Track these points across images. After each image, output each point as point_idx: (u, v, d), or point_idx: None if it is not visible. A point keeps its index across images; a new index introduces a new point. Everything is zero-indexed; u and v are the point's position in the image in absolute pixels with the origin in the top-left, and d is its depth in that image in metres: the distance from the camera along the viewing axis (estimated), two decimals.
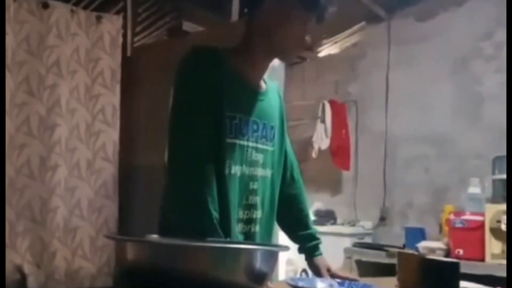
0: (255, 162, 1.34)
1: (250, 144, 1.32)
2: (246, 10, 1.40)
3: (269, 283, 1.10)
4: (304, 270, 3.41)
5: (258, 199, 1.36)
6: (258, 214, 1.36)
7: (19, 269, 2.39)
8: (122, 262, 0.91)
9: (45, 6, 2.55)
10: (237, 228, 1.31)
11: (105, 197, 2.65)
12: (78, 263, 2.54)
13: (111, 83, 2.71)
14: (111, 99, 2.70)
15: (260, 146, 1.35)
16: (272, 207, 1.42)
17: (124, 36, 2.80)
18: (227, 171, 1.26)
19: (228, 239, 1.22)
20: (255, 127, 1.34)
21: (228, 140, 1.26)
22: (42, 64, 2.52)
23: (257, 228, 1.37)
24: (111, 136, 2.69)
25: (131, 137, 2.74)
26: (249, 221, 1.34)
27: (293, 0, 1.29)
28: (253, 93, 1.36)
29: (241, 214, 1.32)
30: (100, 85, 2.68)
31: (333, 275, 1.48)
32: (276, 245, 1.37)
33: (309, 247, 1.54)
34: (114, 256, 2.37)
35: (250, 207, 1.34)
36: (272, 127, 1.40)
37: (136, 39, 3.09)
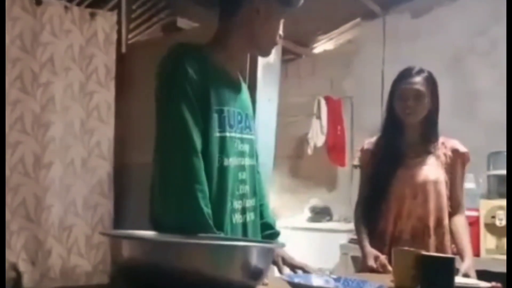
0: (242, 153, 1.37)
1: (237, 135, 1.35)
2: (223, 6, 1.42)
3: (265, 280, 1.11)
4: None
5: (248, 188, 1.39)
6: (250, 203, 1.40)
7: (14, 267, 2.38)
8: (118, 259, 0.91)
9: (39, 2, 2.53)
10: (234, 219, 1.33)
11: (100, 194, 2.64)
12: (73, 261, 2.53)
13: (106, 80, 2.69)
14: (106, 96, 2.69)
15: (245, 136, 1.39)
16: (257, 195, 1.45)
17: (119, 32, 2.78)
18: (219, 164, 1.29)
19: (222, 235, 1.22)
20: (239, 118, 1.37)
21: (219, 134, 1.29)
22: (35, 61, 2.50)
23: (252, 217, 1.40)
24: (106, 134, 2.67)
25: (126, 134, 2.73)
26: (243, 211, 1.37)
27: None
28: (234, 85, 1.40)
29: (236, 204, 1.34)
30: (95, 82, 2.67)
31: (289, 265, 1.47)
32: (272, 242, 1.37)
33: (264, 236, 1.52)
34: (110, 253, 2.37)
35: (243, 196, 1.37)
36: (251, 117, 1.44)
37: (130, 35, 3.07)
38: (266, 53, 1.46)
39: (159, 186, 1.25)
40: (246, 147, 1.39)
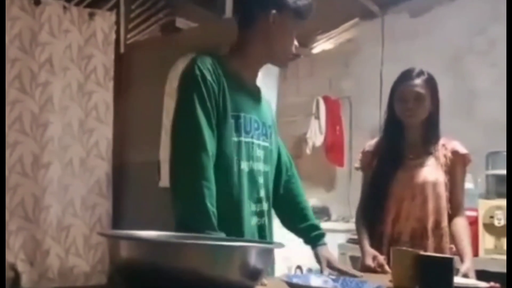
0: (258, 158, 1.42)
1: (254, 141, 1.41)
2: (239, 17, 1.48)
3: (264, 280, 1.11)
4: (298, 267, 3.42)
5: (263, 192, 1.44)
6: (265, 206, 1.44)
7: (12, 267, 2.38)
8: (115, 259, 0.91)
9: (37, 2, 2.53)
10: (252, 221, 1.38)
11: (98, 194, 2.64)
12: (71, 261, 2.53)
13: (104, 80, 2.69)
14: (104, 96, 2.68)
15: (261, 143, 1.44)
16: (270, 200, 1.50)
17: (117, 32, 2.78)
18: (236, 168, 1.34)
19: (222, 235, 1.23)
20: (255, 125, 1.42)
21: (235, 138, 1.35)
22: (34, 61, 2.50)
23: (267, 220, 1.45)
24: (105, 134, 2.67)
25: (124, 134, 2.73)
26: (261, 214, 1.42)
27: (290, 10, 1.39)
28: (251, 94, 1.45)
29: (253, 207, 1.39)
30: (93, 82, 2.67)
31: (332, 268, 1.50)
32: (271, 242, 1.38)
33: (310, 237, 1.57)
34: (107, 254, 2.36)
35: (260, 200, 1.42)
36: (269, 126, 1.49)
37: (129, 35, 3.07)
38: (282, 64, 1.52)
39: (170, 182, 1.30)
40: (261, 153, 1.44)
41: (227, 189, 1.32)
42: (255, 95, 1.48)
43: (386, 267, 1.64)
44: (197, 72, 1.32)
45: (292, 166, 1.65)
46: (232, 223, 1.31)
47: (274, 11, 1.38)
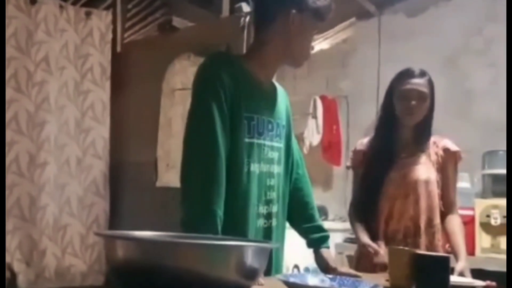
0: (271, 160, 1.41)
1: (267, 142, 1.40)
2: (257, 17, 1.49)
3: (260, 280, 1.11)
4: (296, 266, 3.42)
5: (275, 194, 1.43)
6: (275, 208, 1.44)
7: (8, 267, 2.37)
8: (111, 259, 0.90)
9: (33, 1, 2.52)
10: (258, 223, 1.38)
11: (95, 194, 2.63)
12: (68, 261, 2.52)
13: (101, 79, 2.68)
14: (101, 95, 2.68)
15: (275, 144, 1.43)
16: (285, 202, 1.50)
17: (114, 32, 2.77)
18: (246, 169, 1.33)
19: (219, 236, 1.23)
20: (270, 126, 1.41)
21: (247, 140, 1.34)
22: (30, 60, 2.49)
23: (276, 222, 1.44)
24: (101, 133, 2.66)
25: (121, 134, 2.72)
26: (269, 216, 1.41)
27: (310, 11, 1.39)
28: (266, 94, 1.45)
29: (261, 209, 1.39)
30: (90, 81, 2.66)
31: (332, 270, 1.49)
32: (267, 241, 1.38)
33: (314, 239, 1.56)
34: (104, 253, 2.36)
35: (269, 202, 1.41)
36: (283, 126, 1.49)
37: (126, 35, 3.06)
38: (298, 65, 1.51)
39: (180, 183, 1.29)
40: (275, 155, 1.43)
41: (234, 190, 1.31)
42: (271, 95, 1.48)
43: (381, 252, 1.66)
44: (214, 72, 1.32)
45: (303, 166, 1.64)
46: (236, 224, 1.31)
47: (294, 11, 1.37)
